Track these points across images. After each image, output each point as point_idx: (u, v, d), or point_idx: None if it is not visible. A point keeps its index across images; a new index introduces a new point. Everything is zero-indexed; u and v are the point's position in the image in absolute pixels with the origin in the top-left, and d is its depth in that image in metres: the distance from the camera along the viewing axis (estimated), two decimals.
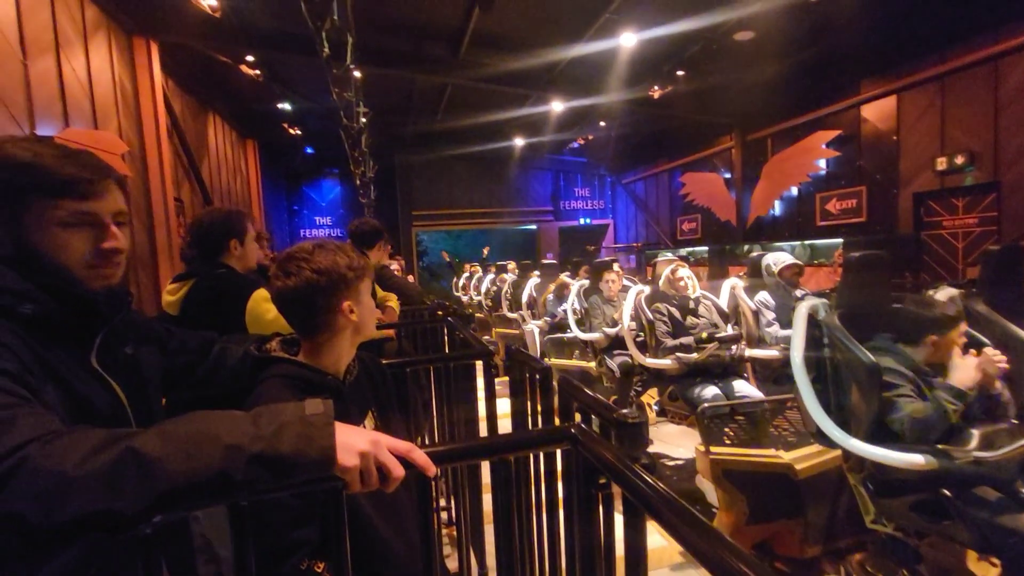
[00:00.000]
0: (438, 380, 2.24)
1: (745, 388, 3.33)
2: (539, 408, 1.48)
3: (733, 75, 8.11)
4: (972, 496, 1.86)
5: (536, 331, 6.20)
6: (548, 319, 5.86)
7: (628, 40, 6.93)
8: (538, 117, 10.15)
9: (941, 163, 6.86)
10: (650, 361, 3.53)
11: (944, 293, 2.66)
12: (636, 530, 0.73)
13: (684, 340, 3.40)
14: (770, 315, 3.63)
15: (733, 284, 3.98)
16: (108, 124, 5.63)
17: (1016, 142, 6.15)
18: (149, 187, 6.38)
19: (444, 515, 2.48)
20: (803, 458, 2.55)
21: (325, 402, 0.70)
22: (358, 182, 9.60)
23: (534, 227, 16.25)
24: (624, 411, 0.82)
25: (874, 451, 1.94)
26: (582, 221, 16.17)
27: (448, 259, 12.38)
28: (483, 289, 9.34)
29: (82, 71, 5.19)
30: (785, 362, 3.20)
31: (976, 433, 1.93)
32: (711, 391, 3.25)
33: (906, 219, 7.45)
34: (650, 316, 3.62)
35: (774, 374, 3.62)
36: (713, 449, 2.69)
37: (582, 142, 12.81)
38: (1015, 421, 2.01)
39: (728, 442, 2.82)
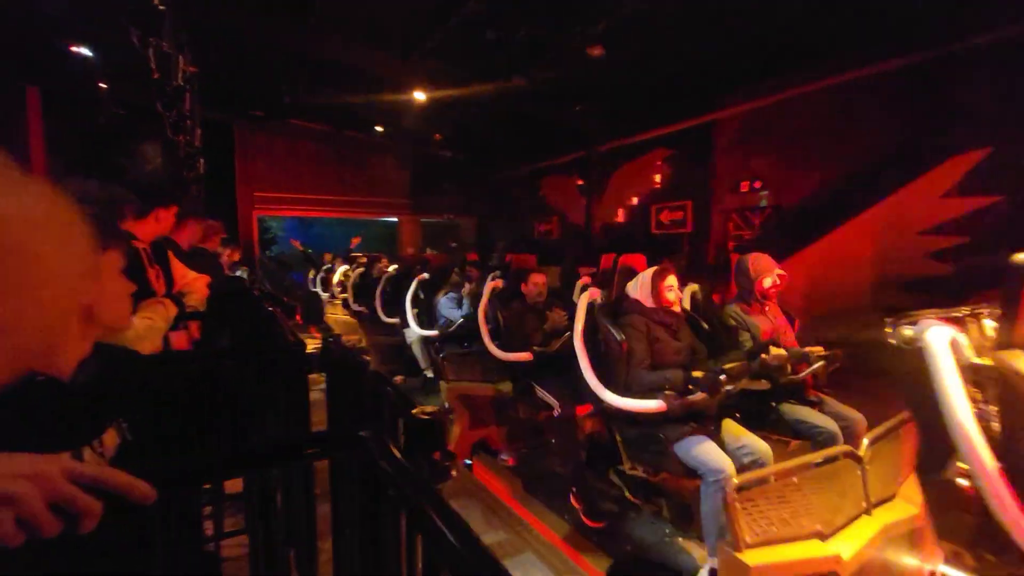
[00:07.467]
0: (256, 381, 1.96)
1: None
2: (358, 411, 1.35)
3: (584, 88, 8.69)
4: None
5: (421, 340, 5.20)
6: (441, 326, 4.86)
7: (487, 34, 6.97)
8: (398, 104, 9.72)
9: (744, 186, 8.20)
10: (625, 403, 2.40)
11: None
12: (413, 541, 0.65)
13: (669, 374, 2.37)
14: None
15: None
16: None
17: (783, 176, 7.69)
18: None
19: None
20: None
21: None
22: (182, 153, 8.22)
23: (395, 220, 15.66)
24: (420, 408, 0.74)
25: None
26: (445, 217, 16.02)
27: (302, 249, 11.20)
28: (336, 281, 8.60)
29: None
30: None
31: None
32: None
33: (717, 232, 8.78)
34: (617, 335, 2.55)
35: None
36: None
37: (439, 138, 12.72)
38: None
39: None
